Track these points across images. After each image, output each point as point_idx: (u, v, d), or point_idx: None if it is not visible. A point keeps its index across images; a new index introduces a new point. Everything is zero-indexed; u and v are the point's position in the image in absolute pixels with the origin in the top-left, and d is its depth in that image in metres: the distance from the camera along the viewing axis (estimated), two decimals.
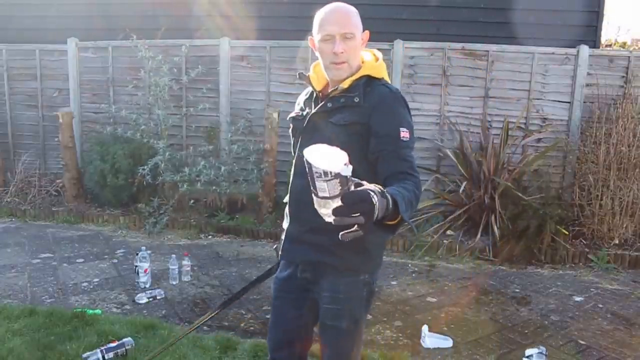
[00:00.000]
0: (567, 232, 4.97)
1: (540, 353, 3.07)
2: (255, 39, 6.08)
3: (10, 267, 4.46)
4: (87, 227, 5.71)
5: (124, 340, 2.99)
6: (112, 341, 2.97)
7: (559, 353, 3.24)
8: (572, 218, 5.19)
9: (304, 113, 1.90)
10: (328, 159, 1.30)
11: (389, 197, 1.38)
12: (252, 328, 3.52)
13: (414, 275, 4.59)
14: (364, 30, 1.80)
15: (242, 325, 3.55)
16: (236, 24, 6.22)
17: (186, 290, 4.12)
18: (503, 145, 5.37)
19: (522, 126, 5.66)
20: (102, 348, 2.91)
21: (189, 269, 4.31)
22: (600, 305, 4.01)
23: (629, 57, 5.50)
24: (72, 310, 3.50)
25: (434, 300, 4.05)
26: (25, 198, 6.22)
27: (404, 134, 1.70)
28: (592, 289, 4.34)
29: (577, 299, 4.14)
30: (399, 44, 5.68)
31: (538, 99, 5.64)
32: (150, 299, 3.88)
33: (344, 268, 1.81)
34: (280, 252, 1.95)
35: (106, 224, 5.75)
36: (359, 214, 1.28)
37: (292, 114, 1.96)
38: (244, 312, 3.74)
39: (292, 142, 1.97)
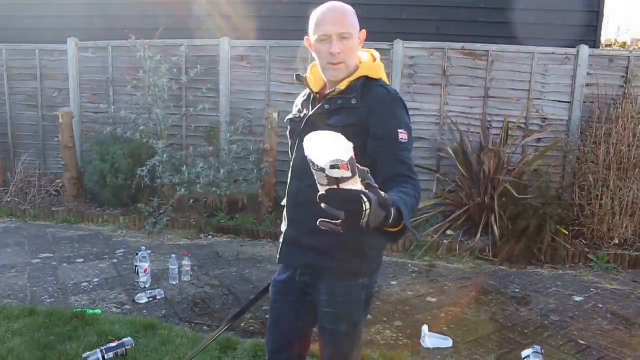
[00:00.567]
0: (567, 232, 4.97)
1: (536, 352, 3.06)
2: (255, 39, 6.08)
3: (10, 267, 4.46)
4: (87, 227, 5.71)
5: (124, 340, 2.99)
6: (112, 341, 2.97)
7: (559, 353, 3.24)
8: (572, 218, 5.19)
9: (302, 115, 1.89)
10: (329, 147, 1.26)
11: (392, 210, 1.32)
12: (252, 328, 3.52)
13: (414, 275, 4.59)
14: (361, 30, 1.78)
15: (242, 325, 3.55)
16: (236, 24, 6.22)
17: (186, 290, 4.11)
18: (503, 145, 5.37)
19: (522, 126, 5.66)
20: (102, 348, 2.91)
21: (189, 269, 4.31)
22: (600, 305, 4.01)
23: (629, 57, 5.50)
24: (72, 310, 3.50)
25: (434, 300, 4.05)
26: (25, 198, 6.21)
27: (402, 135, 1.67)
28: (592, 289, 4.34)
29: (577, 299, 4.14)
30: (398, 44, 5.68)
31: (538, 99, 5.64)
32: (150, 299, 3.88)
33: (343, 272, 1.79)
34: (278, 256, 1.94)
35: (106, 224, 5.75)
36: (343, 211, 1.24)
37: (290, 116, 1.95)
38: None
39: (289, 144, 1.96)
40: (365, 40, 1.80)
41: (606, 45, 7.99)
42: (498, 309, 3.90)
